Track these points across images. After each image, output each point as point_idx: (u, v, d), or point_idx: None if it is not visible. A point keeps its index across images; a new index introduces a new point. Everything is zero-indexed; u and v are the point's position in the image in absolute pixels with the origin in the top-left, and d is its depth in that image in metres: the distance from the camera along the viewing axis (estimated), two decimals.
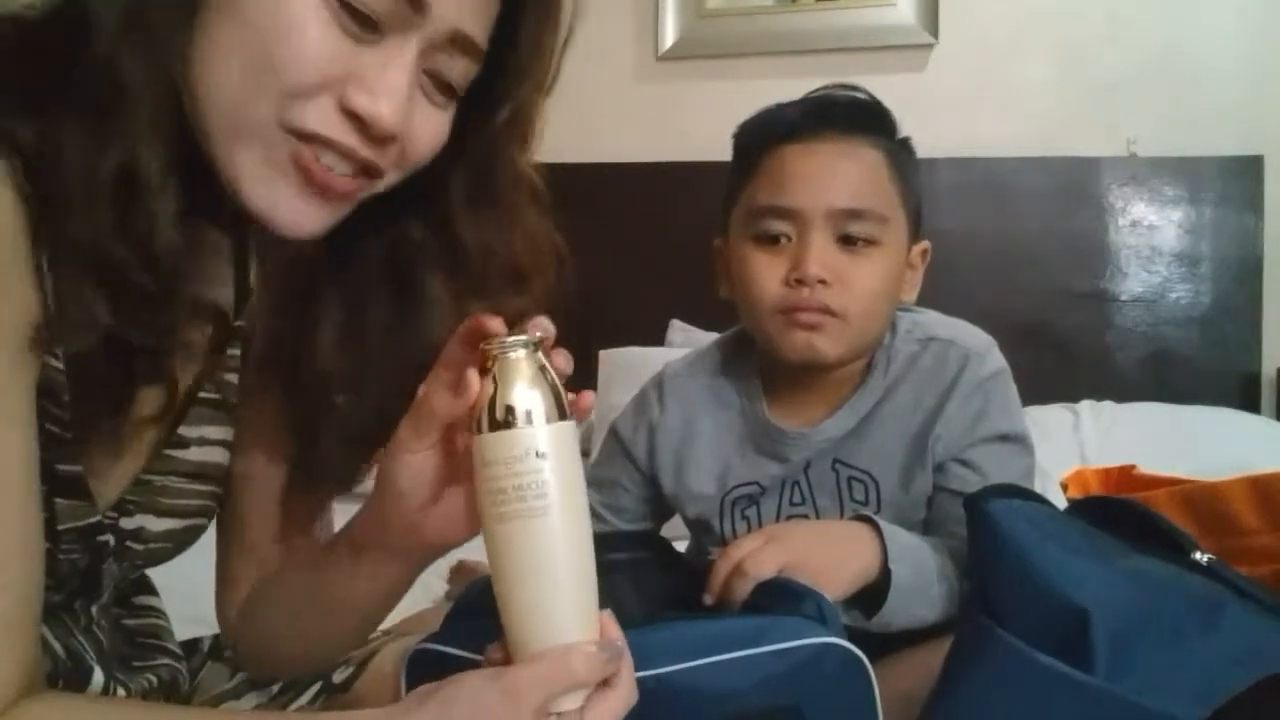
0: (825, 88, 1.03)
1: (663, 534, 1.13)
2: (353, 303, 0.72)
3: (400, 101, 0.60)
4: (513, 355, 0.57)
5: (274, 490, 0.78)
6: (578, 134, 2.50)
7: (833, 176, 0.96)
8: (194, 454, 0.73)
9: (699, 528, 1.09)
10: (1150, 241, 2.23)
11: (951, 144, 2.17)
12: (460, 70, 0.64)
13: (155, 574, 0.84)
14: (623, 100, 2.47)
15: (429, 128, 0.64)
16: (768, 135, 1.00)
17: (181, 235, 0.58)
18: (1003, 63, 2.32)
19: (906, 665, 0.84)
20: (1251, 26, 2.23)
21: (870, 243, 0.96)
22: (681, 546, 1.16)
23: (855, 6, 2.35)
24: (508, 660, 0.58)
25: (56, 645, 0.68)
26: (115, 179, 0.55)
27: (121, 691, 0.70)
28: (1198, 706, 0.65)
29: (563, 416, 0.58)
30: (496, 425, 0.56)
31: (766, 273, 0.97)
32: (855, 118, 0.99)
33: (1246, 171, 2.19)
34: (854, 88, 1.03)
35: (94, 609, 0.75)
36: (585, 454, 2.43)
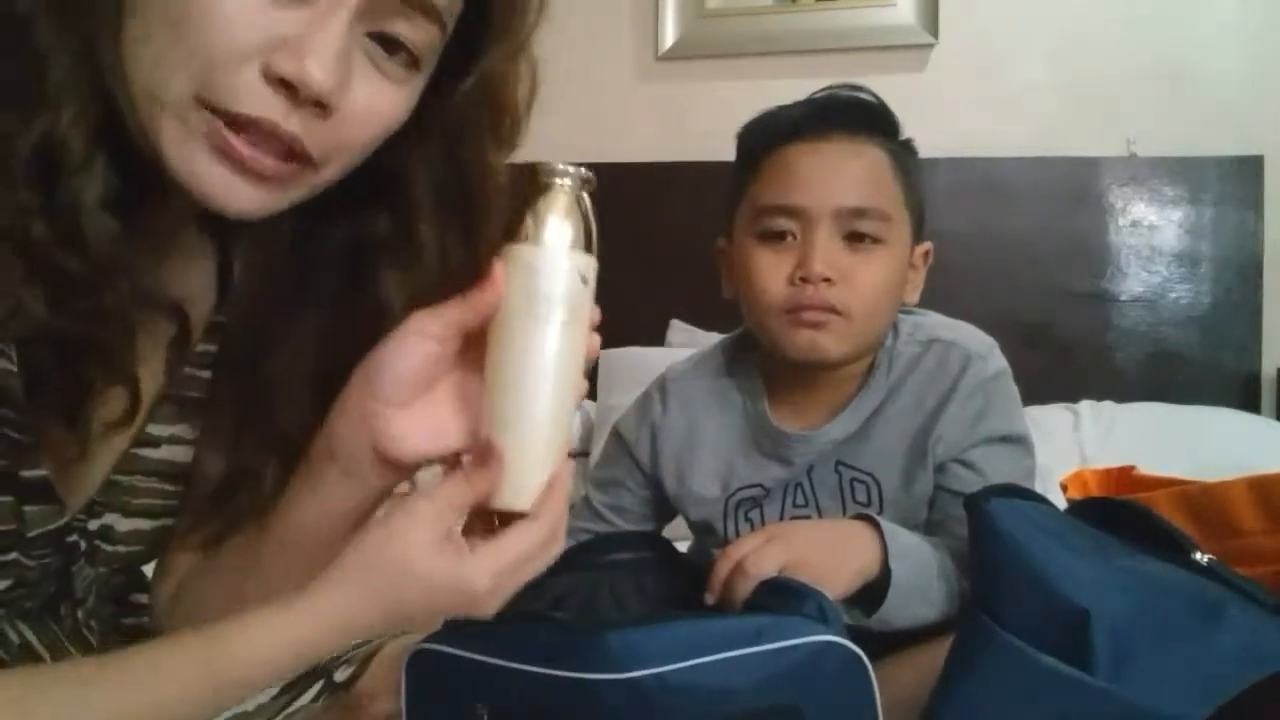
0: (829, 88, 1.04)
1: (665, 534, 1.14)
2: (308, 302, 0.69)
3: (330, 60, 0.55)
4: (569, 183, 0.61)
5: (211, 485, 0.74)
6: (578, 134, 2.50)
7: (838, 174, 0.96)
8: (164, 452, 0.72)
9: (702, 529, 1.09)
10: (1150, 241, 2.23)
11: (951, 144, 2.17)
12: (420, 36, 0.59)
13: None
14: (623, 100, 2.47)
15: (375, 100, 0.59)
16: (772, 134, 1.00)
17: (116, 219, 0.56)
18: (1003, 63, 2.32)
19: (907, 665, 0.84)
20: (1251, 27, 2.22)
21: (875, 241, 0.97)
22: (683, 547, 1.16)
23: (855, 6, 2.35)
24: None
25: (43, 651, 0.68)
26: (34, 155, 0.52)
27: None
28: (1198, 706, 0.65)
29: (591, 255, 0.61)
30: (546, 240, 0.59)
31: (771, 271, 0.97)
32: (859, 117, 1.00)
33: (1246, 171, 2.19)
34: (857, 88, 1.03)
35: (79, 612, 0.74)
36: (585, 454, 2.43)
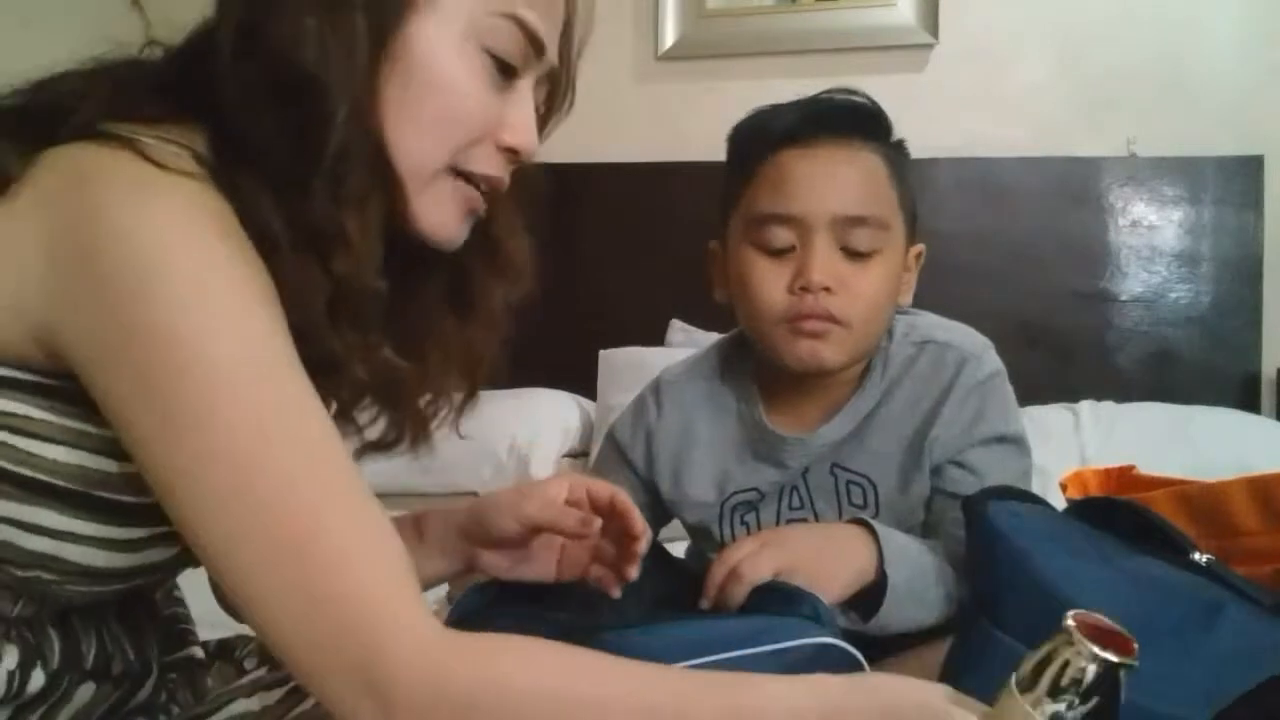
0: (823, 92, 1.03)
1: (662, 537, 1.14)
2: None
3: (534, 131, 0.73)
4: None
5: None
6: (578, 134, 2.48)
7: (834, 182, 0.96)
8: None
9: (698, 533, 1.09)
10: (1150, 241, 2.23)
11: (951, 144, 2.17)
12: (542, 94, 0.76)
13: None
14: (623, 100, 2.47)
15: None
16: (765, 140, 0.99)
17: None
18: (1003, 63, 2.32)
19: (904, 667, 0.83)
20: (1251, 27, 2.23)
21: (873, 249, 0.96)
22: (680, 549, 1.16)
23: (855, 6, 2.35)
24: None
25: (128, 646, 0.71)
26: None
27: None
28: (1197, 707, 0.65)
29: None
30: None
31: (770, 280, 0.97)
32: (853, 121, 0.99)
33: (1246, 171, 2.19)
34: (851, 91, 1.02)
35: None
36: (585, 454, 2.42)
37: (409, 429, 0.80)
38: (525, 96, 0.72)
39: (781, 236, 0.96)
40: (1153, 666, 0.67)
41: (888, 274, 0.97)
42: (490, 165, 0.71)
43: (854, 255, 0.96)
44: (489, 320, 0.81)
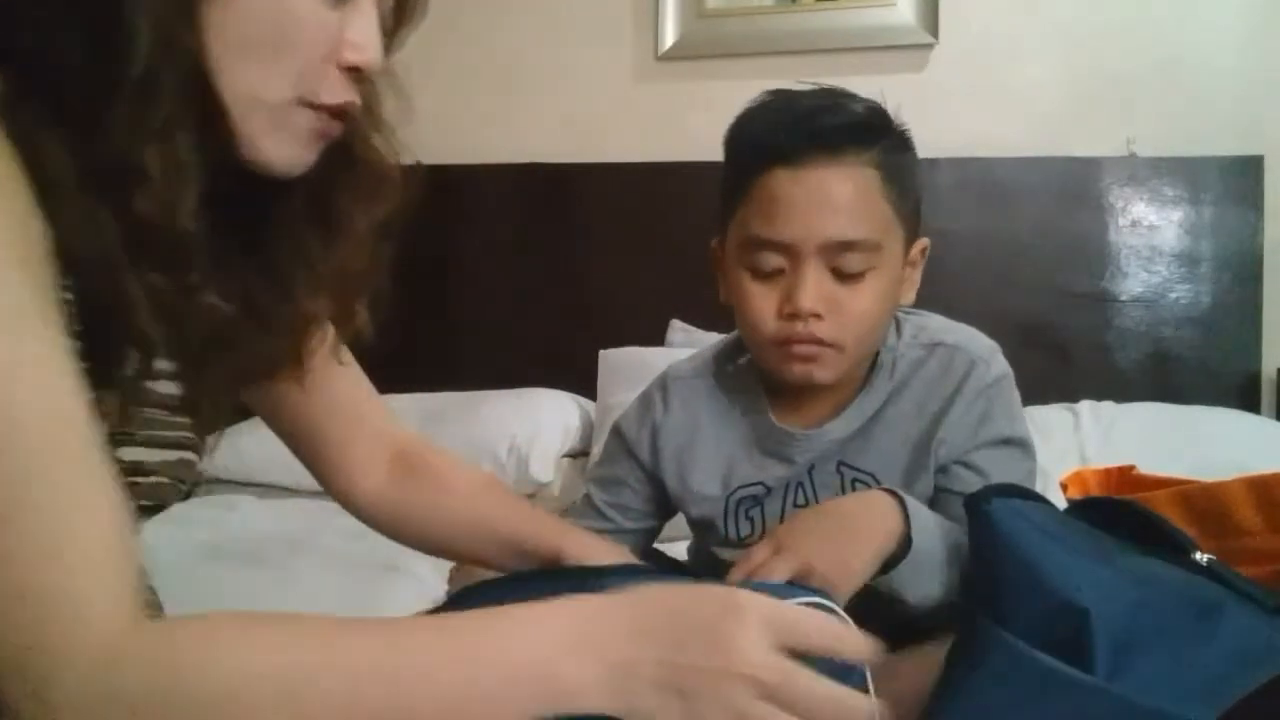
0: (817, 93, 1.01)
1: (662, 536, 1.14)
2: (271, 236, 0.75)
3: (379, 45, 0.68)
4: None
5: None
6: (578, 134, 2.50)
7: (823, 207, 0.94)
8: (165, 386, 0.73)
9: (703, 527, 1.09)
10: (1150, 241, 2.23)
11: (951, 144, 2.18)
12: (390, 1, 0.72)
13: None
14: (623, 100, 2.47)
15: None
16: (755, 158, 0.98)
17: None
18: (1003, 63, 2.32)
19: (906, 664, 0.83)
20: (1251, 27, 2.23)
21: (865, 269, 0.95)
22: (680, 548, 1.16)
23: (855, 6, 2.35)
24: None
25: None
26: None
27: None
28: (1198, 706, 0.65)
29: None
30: None
31: (760, 304, 0.97)
32: (844, 132, 0.96)
33: (1246, 171, 2.19)
34: (846, 95, 1.00)
35: None
36: (585, 454, 2.43)
37: (285, 360, 0.79)
38: (365, 8, 0.67)
39: (771, 260, 0.96)
40: (1154, 666, 0.67)
41: (881, 289, 0.97)
42: (339, 92, 0.67)
43: (845, 276, 0.95)
44: (357, 239, 0.77)
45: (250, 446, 2.05)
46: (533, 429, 2.21)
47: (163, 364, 0.72)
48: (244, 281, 0.72)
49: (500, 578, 0.88)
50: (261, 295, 0.73)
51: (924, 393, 1.00)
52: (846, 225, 0.94)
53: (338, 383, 0.89)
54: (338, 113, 0.68)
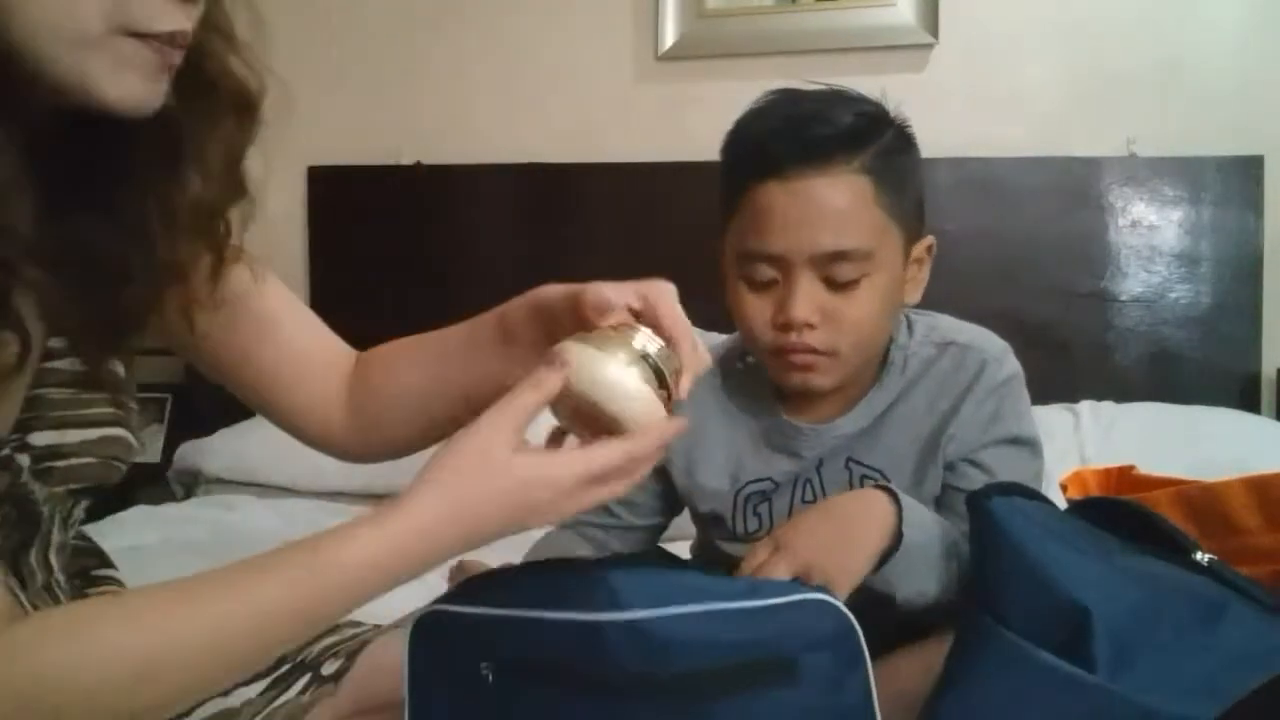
0: (809, 101, 1.00)
1: (670, 531, 1.14)
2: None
3: None
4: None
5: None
6: (578, 134, 2.50)
7: (814, 220, 0.94)
8: (68, 363, 0.72)
9: (710, 521, 1.10)
10: (1150, 241, 2.23)
11: (951, 144, 2.17)
12: None
13: (141, 577, 0.83)
14: (623, 100, 2.47)
15: None
16: (748, 168, 0.98)
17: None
18: (1003, 63, 2.32)
19: (907, 662, 0.84)
20: (1251, 27, 2.23)
21: (859, 276, 0.95)
22: (683, 548, 1.16)
23: (855, 6, 2.35)
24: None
25: (24, 599, 0.67)
26: None
27: None
28: (1198, 706, 0.65)
29: None
30: None
31: (756, 314, 0.98)
32: (834, 142, 0.95)
33: (1246, 171, 2.19)
34: (840, 100, 0.99)
35: (52, 557, 0.73)
36: None
37: (158, 309, 0.74)
38: None
39: (764, 271, 0.97)
40: (1154, 665, 0.67)
41: (878, 295, 0.97)
42: (164, 18, 0.61)
43: (838, 285, 0.95)
44: (215, 172, 0.71)
45: (250, 447, 2.06)
46: (532, 428, 2.20)
47: (55, 342, 0.70)
48: (92, 233, 0.69)
49: (503, 572, 0.88)
50: (113, 245, 0.69)
51: (935, 390, 1.01)
52: (837, 236, 0.94)
53: (277, 328, 0.86)
54: (172, 40, 0.62)
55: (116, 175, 0.69)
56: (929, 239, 1.03)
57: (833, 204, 0.95)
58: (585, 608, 0.73)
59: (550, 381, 0.64)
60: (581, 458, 0.64)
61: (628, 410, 0.64)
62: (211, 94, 0.70)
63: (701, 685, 0.72)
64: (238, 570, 0.60)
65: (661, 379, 0.67)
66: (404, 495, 0.62)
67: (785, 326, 0.95)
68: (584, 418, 0.66)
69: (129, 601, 0.61)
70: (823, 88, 1.02)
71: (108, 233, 0.69)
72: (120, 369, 0.76)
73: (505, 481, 0.63)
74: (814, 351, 0.96)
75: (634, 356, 0.66)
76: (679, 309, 0.76)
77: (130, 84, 0.61)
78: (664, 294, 0.76)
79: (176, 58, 0.63)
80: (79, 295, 0.68)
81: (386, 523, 0.61)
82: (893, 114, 1.02)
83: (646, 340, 0.68)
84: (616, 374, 0.64)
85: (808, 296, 0.95)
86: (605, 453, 0.64)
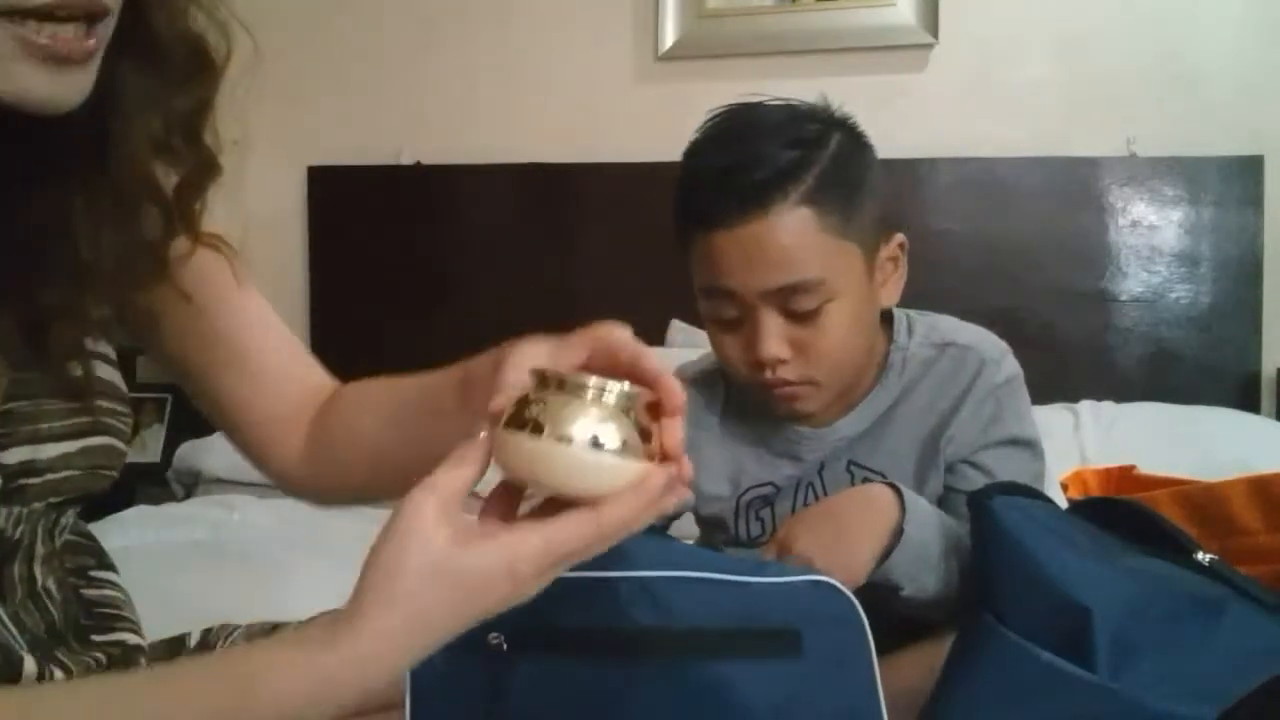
0: (741, 136, 0.98)
1: (670, 534, 1.14)
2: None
3: None
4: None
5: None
6: (578, 134, 2.50)
7: (758, 259, 0.93)
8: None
9: (712, 525, 1.09)
10: (1150, 241, 2.23)
11: (951, 144, 2.17)
12: None
13: (141, 576, 0.83)
14: (623, 100, 2.47)
15: None
16: (690, 220, 0.98)
17: None
18: (1003, 63, 2.32)
19: (909, 661, 0.84)
20: (1251, 27, 2.23)
21: (821, 303, 0.94)
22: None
23: (855, 6, 2.35)
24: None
25: (3, 614, 0.64)
26: None
27: (59, 674, 0.64)
28: (1199, 705, 0.65)
29: None
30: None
31: (731, 353, 0.99)
32: (772, 183, 0.93)
33: (1246, 171, 2.19)
34: (771, 128, 0.97)
35: (37, 570, 0.70)
36: None
37: (97, 310, 0.67)
38: None
39: (727, 310, 0.97)
40: (1155, 664, 0.67)
41: (844, 317, 0.95)
42: None
43: (801, 316, 0.94)
44: (162, 148, 0.64)
45: None
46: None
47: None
48: (6, 233, 0.62)
49: None
50: (30, 243, 0.62)
51: (935, 391, 1.01)
52: (786, 272, 0.93)
53: (246, 335, 0.81)
54: (50, 15, 0.52)
55: (37, 169, 0.62)
56: (898, 237, 1.02)
57: (776, 242, 0.93)
58: (598, 564, 0.73)
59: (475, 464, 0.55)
60: (540, 541, 0.53)
61: (587, 490, 0.54)
62: (156, 53, 0.62)
63: (710, 644, 0.73)
64: (149, 684, 0.53)
65: (634, 429, 0.57)
66: (345, 618, 0.52)
67: (758, 365, 0.96)
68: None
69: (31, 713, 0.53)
70: (757, 106, 0.99)
71: (24, 231, 0.62)
72: (104, 372, 0.71)
73: (452, 584, 0.52)
74: (792, 383, 0.96)
75: (589, 421, 0.55)
76: (641, 345, 0.67)
77: (22, 78, 0.52)
78: (620, 338, 0.67)
79: (80, 40, 0.54)
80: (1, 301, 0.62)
81: (321, 657, 0.52)
82: (838, 115, 1.00)
83: (603, 390, 0.57)
84: (565, 454, 0.53)
85: (772, 333, 0.94)
86: (569, 530, 0.54)
